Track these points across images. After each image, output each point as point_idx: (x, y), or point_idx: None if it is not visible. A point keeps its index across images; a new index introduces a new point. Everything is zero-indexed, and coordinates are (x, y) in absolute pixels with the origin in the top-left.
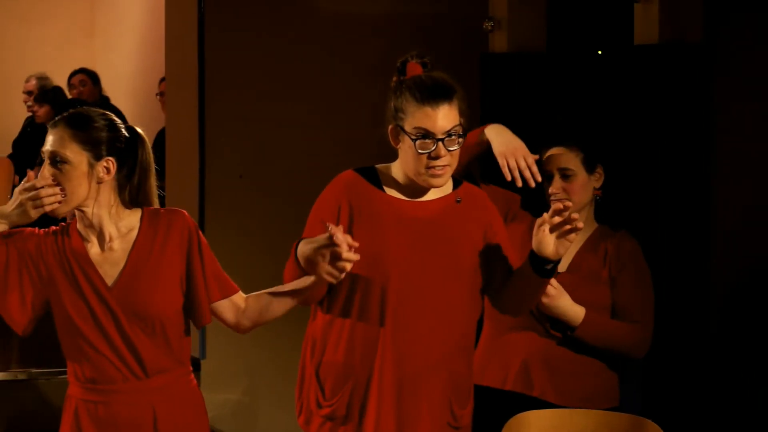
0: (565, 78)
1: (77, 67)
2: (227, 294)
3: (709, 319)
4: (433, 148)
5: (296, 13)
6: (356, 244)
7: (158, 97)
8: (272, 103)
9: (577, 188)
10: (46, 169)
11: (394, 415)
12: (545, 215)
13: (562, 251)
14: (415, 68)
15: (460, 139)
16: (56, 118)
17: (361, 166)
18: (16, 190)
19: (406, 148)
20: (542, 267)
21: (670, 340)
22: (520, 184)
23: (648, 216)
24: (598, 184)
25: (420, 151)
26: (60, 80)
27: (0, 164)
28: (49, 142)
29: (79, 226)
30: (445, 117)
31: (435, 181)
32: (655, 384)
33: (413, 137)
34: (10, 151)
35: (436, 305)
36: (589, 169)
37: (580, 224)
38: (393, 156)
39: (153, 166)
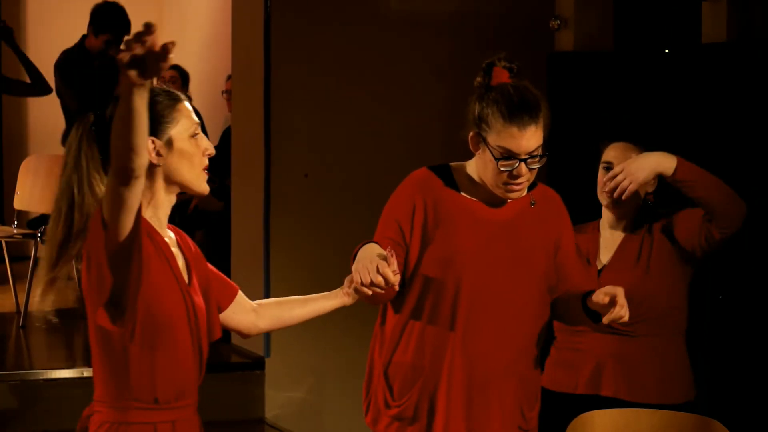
0: (632, 77)
1: None
2: (234, 294)
3: None
4: (515, 166)
5: (362, 11)
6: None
7: (224, 95)
8: (338, 102)
9: None
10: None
11: (464, 418)
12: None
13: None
14: (501, 74)
15: (543, 158)
16: (170, 91)
17: (434, 165)
18: None
19: (486, 159)
20: (596, 316)
21: (736, 340)
22: None
23: None
24: (651, 189)
25: (502, 169)
26: None
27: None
28: (194, 112)
29: (152, 218)
30: (530, 138)
31: (511, 195)
32: (722, 382)
33: (496, 156)
34: None
35: (507, 308)
36: None
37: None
38: (459, 155)
39: None
